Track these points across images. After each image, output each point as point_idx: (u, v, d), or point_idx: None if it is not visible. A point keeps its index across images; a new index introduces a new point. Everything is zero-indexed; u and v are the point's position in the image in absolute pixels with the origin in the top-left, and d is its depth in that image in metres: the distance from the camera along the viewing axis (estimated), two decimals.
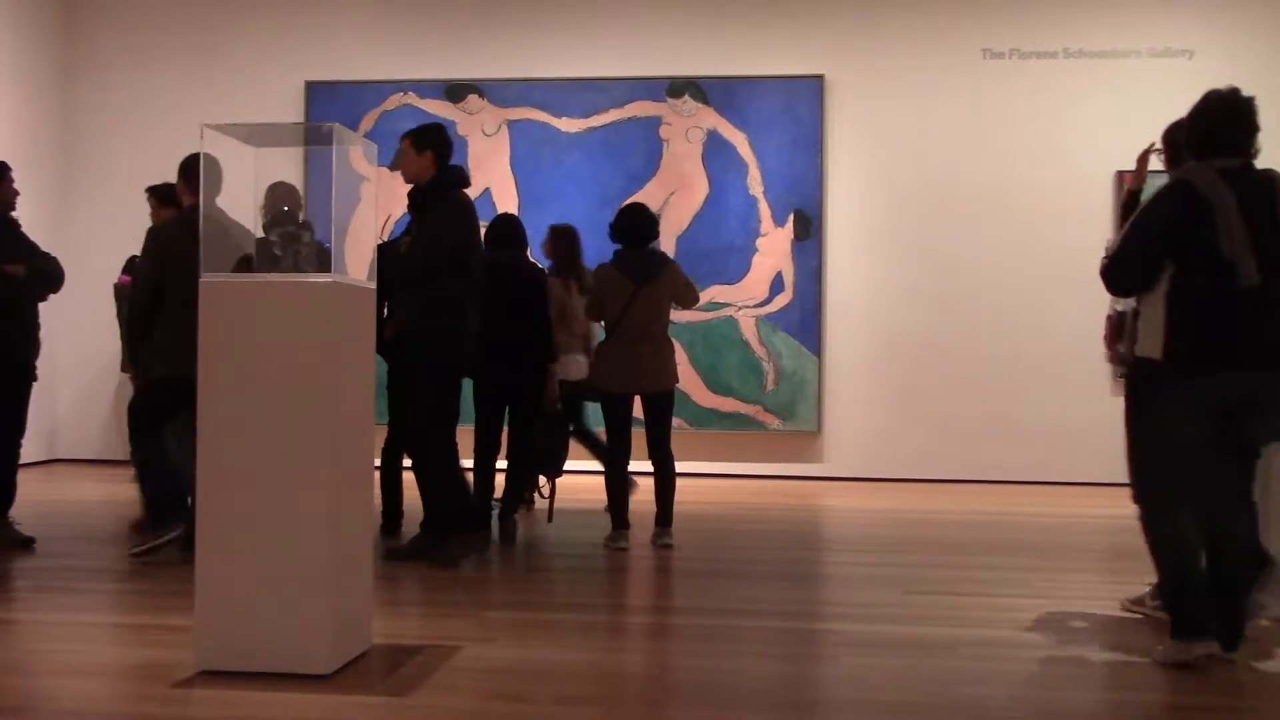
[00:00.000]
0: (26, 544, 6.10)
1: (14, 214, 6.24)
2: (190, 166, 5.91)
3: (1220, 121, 4.11)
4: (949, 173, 9.70)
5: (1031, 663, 4.27)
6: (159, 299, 5.75)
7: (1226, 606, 4.11)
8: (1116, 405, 9.52)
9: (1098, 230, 9.59)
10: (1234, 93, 4.18)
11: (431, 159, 5.81)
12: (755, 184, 9.86)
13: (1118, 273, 4.15)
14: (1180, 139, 4.27)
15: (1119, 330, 4.66)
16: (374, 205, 9.52)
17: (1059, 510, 7.99)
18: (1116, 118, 9.63)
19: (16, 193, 6.26)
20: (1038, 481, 9.21)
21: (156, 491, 5.86)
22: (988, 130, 9.57)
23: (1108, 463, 9.57)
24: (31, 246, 6.27)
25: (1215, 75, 9.49)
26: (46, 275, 6.21)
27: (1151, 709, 3.82)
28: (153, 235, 5.99)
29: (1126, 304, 4.54)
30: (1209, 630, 4.06)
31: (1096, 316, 9.54)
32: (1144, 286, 4.14)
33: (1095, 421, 9.51)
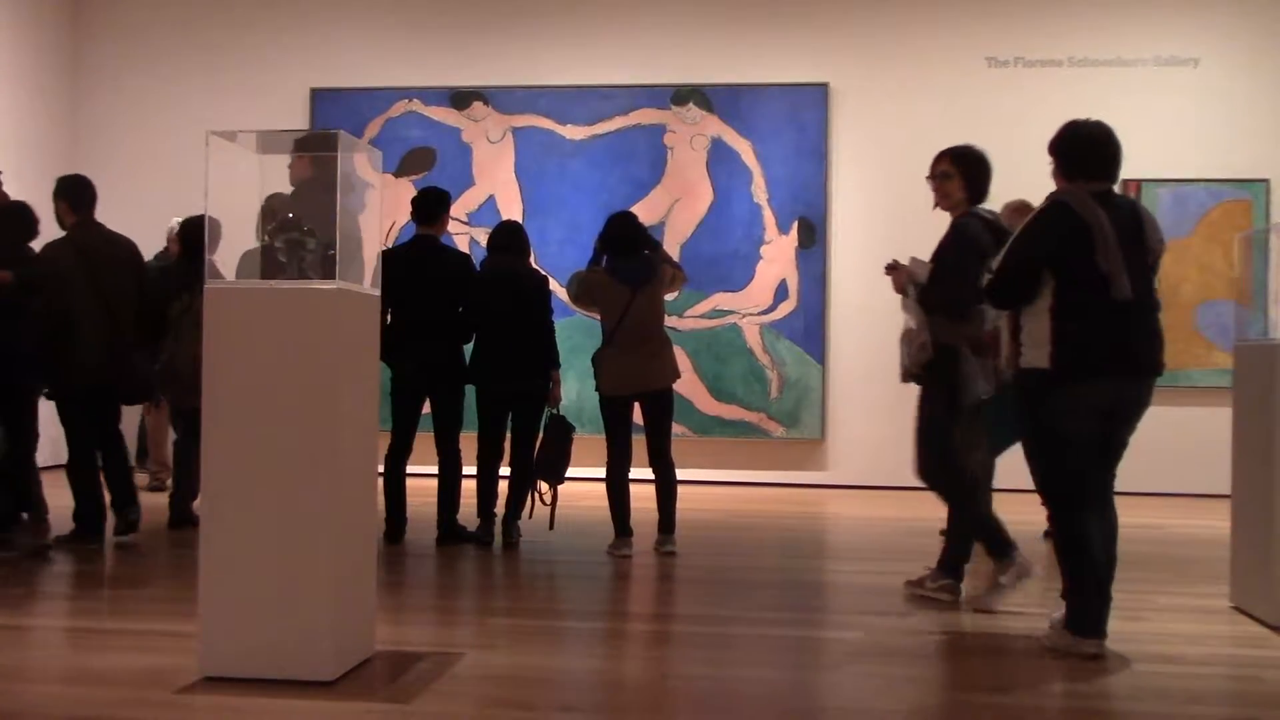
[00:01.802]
0: (42, 552, 6.06)
1: None
2: (71, 186, 6.29)
3: (1090, 150, 4.47)
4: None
5: (1032, 669, 4.27)
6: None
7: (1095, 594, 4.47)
8: None
9: None
10: (1099, 125, 4.54)
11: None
12: (760, 191, 9.87)
13: (1002, 289, 4.44)
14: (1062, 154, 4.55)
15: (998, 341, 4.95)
16: (379, 212, 9.54)
17: None
18: (1121, 126, 9.51)
19: (5, 195, 6.29)
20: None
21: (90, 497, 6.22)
22: (992, 139, 9.44)
23: None
24: (20, 257, 6.27)
25: (1219, 83, 9.63)
26: (34, 283, 6.19)
27: (1152, 711, 3.81)
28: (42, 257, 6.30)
29: (993, 319, 4.86)
30: (1104, 630, 4.40)
31: None
32: (1025, 301, 4.40)
33: None
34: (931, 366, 5.13)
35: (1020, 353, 4.46)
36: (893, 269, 5.36)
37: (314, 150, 4.66)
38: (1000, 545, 5.14)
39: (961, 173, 5.30)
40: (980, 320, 5.02)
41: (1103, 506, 4.54)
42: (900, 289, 5.31)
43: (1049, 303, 4.35)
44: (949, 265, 5.08)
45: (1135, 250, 4.35)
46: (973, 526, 5.25)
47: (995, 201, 5.49)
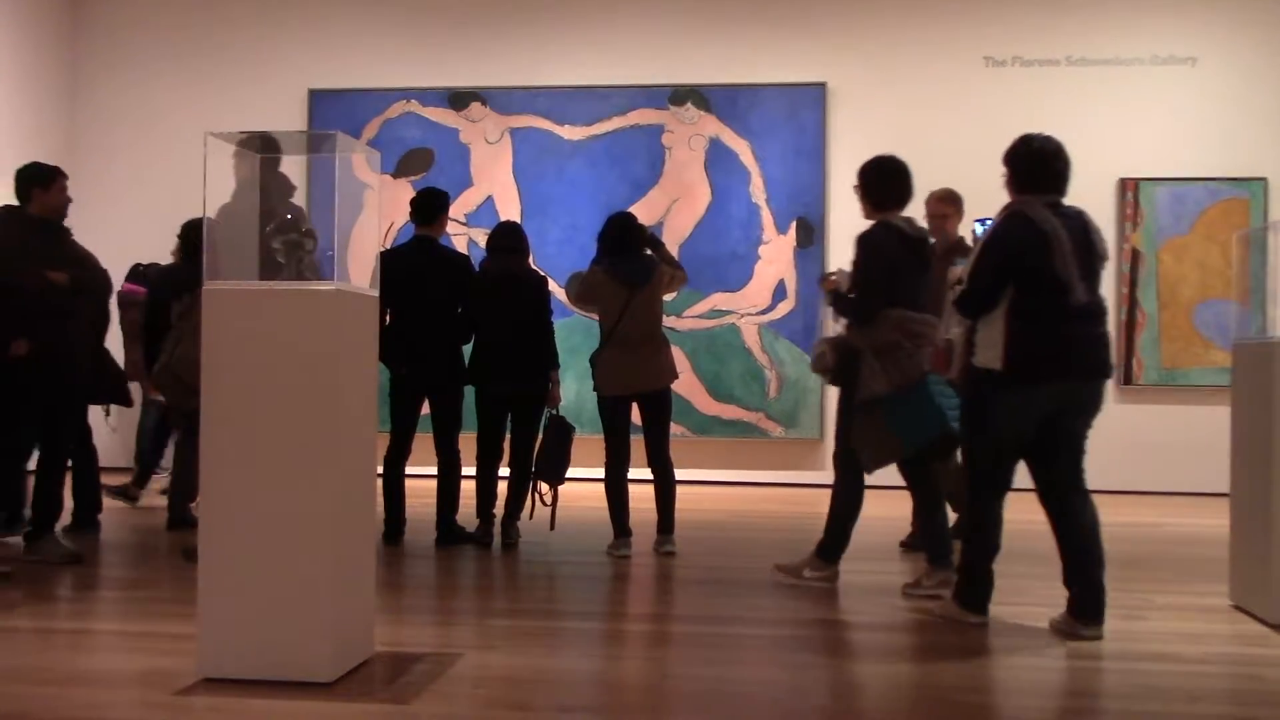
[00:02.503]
0: (75, 559, 5.96)
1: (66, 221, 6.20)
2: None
3: (1043, 165, 4.69)
4: (951, 180, 9.63)
5: (1033, 670, 4.27)
6: None
7: (1087, 583, 4.70)
8: (1118, 413, 9.61)
9: None
10: (1050, 140, 4.75)
11: None
12: (758, 191, 9.87)
13: (974, 300, 4.67)
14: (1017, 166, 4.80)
15: (949, 356, 5.23)
16: (377, 213, 9.54)
17: None
18: (1119, 125, 9.65)
19: (69, 199, 6.19)
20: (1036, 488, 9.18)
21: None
22: (990, 138, 9.42)
23: (1109, 470, 9.58)
24: (83, 256, 6.23)
25: (1217, 82, 9.63)
26: (85, 284, 6.16)
27: (1152, 710, 3.81)
28: None
29: (957, 332, 5.12)
30: (986, 609, 4.82)
31: None
32: (993, 308, 4.62)
33: (1097, 429, 9.49)
34: (844, 367, 5.39)
35: (973, 353, 4.71)
36: (826, 279, 5.67)
37: (314, 151, 4.66)
38: (839, 543, 5.54)
39: (861, 185, 5.54)
40: (888, 324, 5.23)
41: (1080, 502, 4.73)
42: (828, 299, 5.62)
43: (1004, 307, 4.57)
44: (856, 275, 5.36)
45: (1086, 258, 4.60)
46: (838, 513, 5.60)
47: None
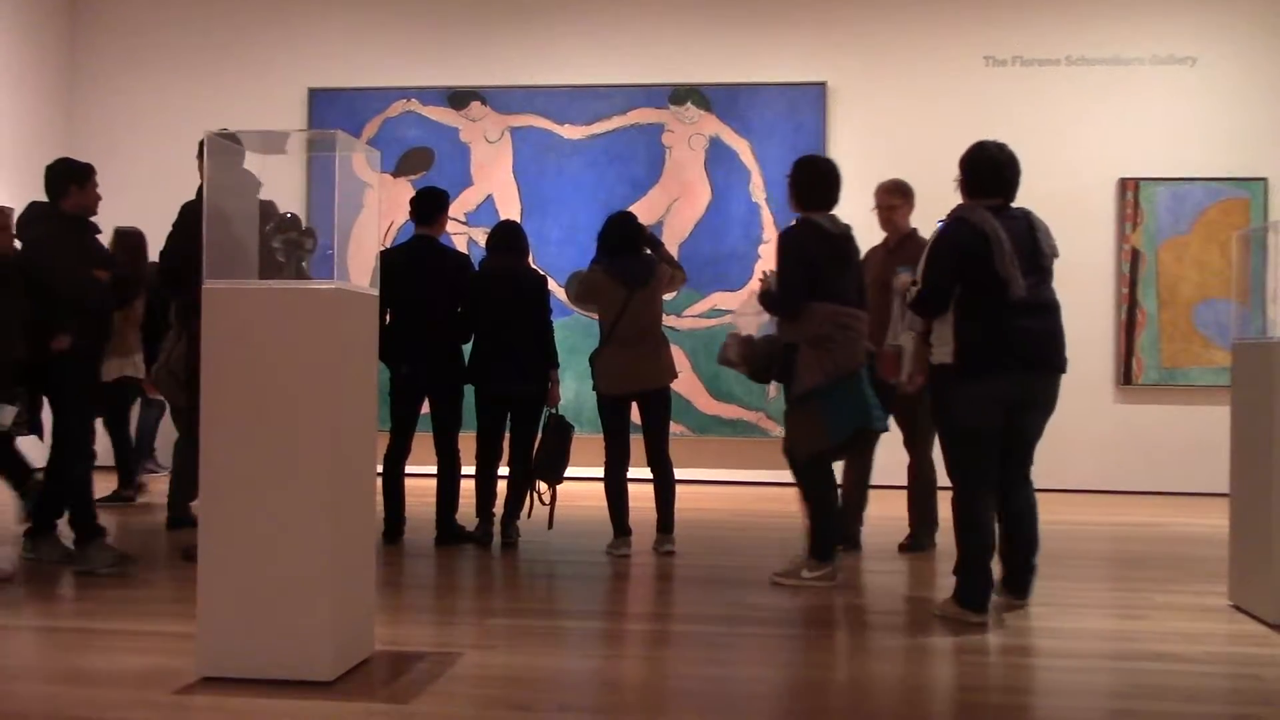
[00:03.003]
0: (126, 563, 5.77)
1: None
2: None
3: (994, 172, 4.99)
4: (951, 180, 9.71)
5: (1033, 669, 4.27)
6: None
7: (1019, 562, 5.02)
8: (1117, 413, 9.62)
9: (1100, 237, 9.62)
10: (1002, 148, 5.04)
11: None
12: (758, 191, 9.87)
13: (928, 302, 4.93)
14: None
15: (898, 361, 5.36)
16: (377, 212, 9.54)
17: (1059, 517, 7.97)
18: (1119, 125, 9.65)
19: (99, 197, 6.13)
20: (1039, 488, 9.16)
21: None
22: (989, 137, 9.50)
23: (1108, 470, 9.59)
24: (110, 256, 6.22)
25: (1217, 82, 9.63)
26: (125, 283, 6.12)
27: (1152, 710, 3.81)
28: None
29: (906, 338, 5.27)
30: (988, 605, 4.87)
31: (1099, 323, 9.60)
32: (947, 308, 4.88)
33: (1096, 429, 9.51)
34: (783, 362, 5.56)
35: (930, 352, 5.00)
36: (762, 277, 5.83)
37: (313, 150, 4.65)
38: (828, 539, 5.57)
39: (791, 183, 5.68)
40: (817, 318, 5.40)
41: (1018, 489, 5.01)
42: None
43: (952, 306, 4.87)
44: (777, 272, 5.61)
45: (1031, 256, 4.87)
46: (811, 507, 5.62)
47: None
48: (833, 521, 5.66)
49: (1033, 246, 4.90)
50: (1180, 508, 8.43)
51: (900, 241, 6.47)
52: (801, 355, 5.43)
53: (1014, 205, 5.01)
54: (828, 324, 5.39)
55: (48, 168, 6.08)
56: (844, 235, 5.60)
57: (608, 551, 6.34)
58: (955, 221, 4.94)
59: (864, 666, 4.35)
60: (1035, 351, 4.88)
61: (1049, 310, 4.94)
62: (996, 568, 5.05)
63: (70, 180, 5.99)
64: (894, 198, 6.59)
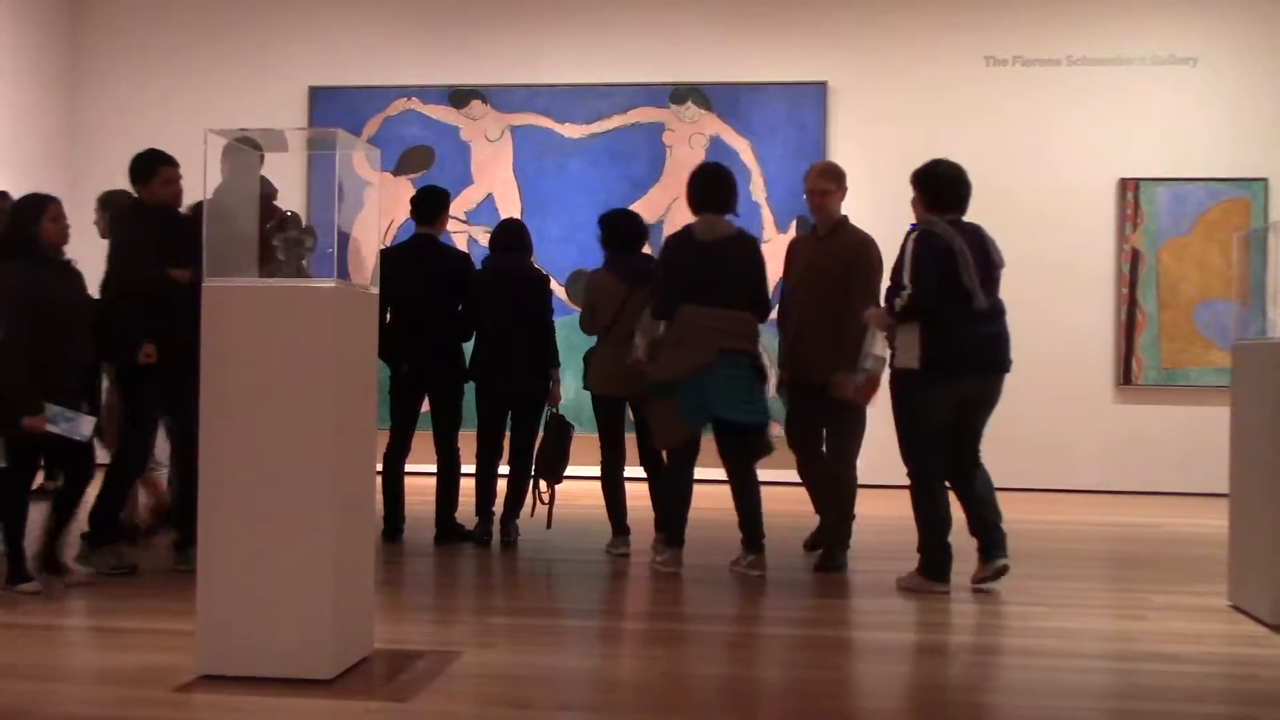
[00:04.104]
0: (128, 570, 5.65)
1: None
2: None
3: (951, 188, 5.37)
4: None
5: (1034, 670, 4.27)
6: None
7: (989, 528, 5.40)
8: (1118, 413, 9.61)
9: (1101, 238, 9.62)
10: (955, 166, 5.42)
11: None
12: (758, 190, 9.87)
13: (920, 307, 5.22)
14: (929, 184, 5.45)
15: (874, 387, 5.74)
16: (378, 210, 9.54)
17: (1060, 517, 7.98)
18: (1120, 125, 9.65)
19: (180, 190, 5.87)
20: (1039, 489, 9.19)
21: None
22: (990, 137, 9.56)
23: (1108, 471, 9.59)
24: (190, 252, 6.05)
25: (1217, 82, 9.63)
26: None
27: (1151, 710, 3.82)
28: None
29: (880, 354, 5.60)
30: (949, 577, 5.34)
31: (1099, 323, 9.61)
32: (934, 316, 5.23)
33: (1097, 429, 9.52)
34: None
35: (894, 355, 5.38)
36: None
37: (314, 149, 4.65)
38: (675, 527, 5.84)
39: (687, 187, 5.89)
40: (680, 319, 5.63)
41: (974, 473, 5.43)
42: None
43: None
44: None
45: (986, 267, 5.28)
46: (668, 495, 5.94)
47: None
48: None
49: (985, 258, 5.29)
50: (1180, 508, 8.43)
51: (831, 229, 6.01)
52: (664, 351, 5.70)
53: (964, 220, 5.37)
54: (688, 326, 5.60)
55: (135, 157, 5.94)
56: (715, 242, 5.70)
57: (607, 550, 6.34)
58: (925, 234, 5.25)
59: (864, 666, 4.35)
60: (990, 356, 5.33)
61: (999, 316, 5.37)
62: (973, 546, 5.40)
63: (158, 163, 5.84)
64: (826, 182, 6.06)
